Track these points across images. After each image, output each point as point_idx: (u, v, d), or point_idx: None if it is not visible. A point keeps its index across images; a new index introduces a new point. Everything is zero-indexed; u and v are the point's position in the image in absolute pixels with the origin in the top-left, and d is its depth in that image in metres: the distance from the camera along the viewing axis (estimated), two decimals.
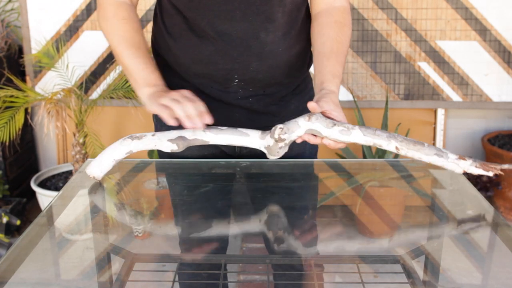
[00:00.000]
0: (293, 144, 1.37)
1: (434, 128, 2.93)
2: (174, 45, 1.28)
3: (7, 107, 2.55)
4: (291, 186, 1.38)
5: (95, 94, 2.84)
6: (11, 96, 2.53)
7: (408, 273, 1.14)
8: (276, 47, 1.25)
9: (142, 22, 2.79)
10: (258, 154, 1.37)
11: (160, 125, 1.39)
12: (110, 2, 1.25)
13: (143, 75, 1.20)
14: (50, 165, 3.12)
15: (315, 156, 1.44)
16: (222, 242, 1.35)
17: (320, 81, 1.21)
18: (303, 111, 1.22)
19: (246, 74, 1.26)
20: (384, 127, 2.66)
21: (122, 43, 1.22)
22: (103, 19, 1.26)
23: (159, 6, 1.32)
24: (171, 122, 1.11)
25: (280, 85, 1.31)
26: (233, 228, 1.29)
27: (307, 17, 1.34)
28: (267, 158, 1.36)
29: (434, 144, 2.95)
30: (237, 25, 1.21)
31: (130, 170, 1.44)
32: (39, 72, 2.86)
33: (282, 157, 1.36)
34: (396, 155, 2.69)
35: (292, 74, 1.33)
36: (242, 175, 1.37)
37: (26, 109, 2.60)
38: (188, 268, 1.28)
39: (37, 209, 2.86)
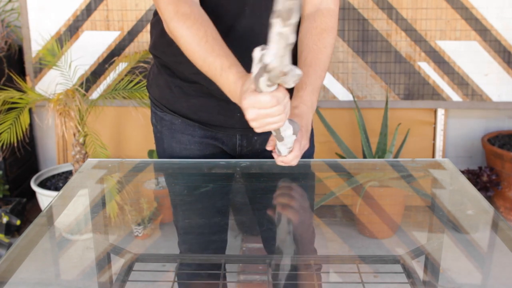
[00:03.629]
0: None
1: (434, 128, 2.93)
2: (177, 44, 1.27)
3: (10, 108, 2.55)
4: (290, 186, 1.38)
5: (95, 94, 2.84)
6: (12, 98, 2.53)
7: (408, 273, 1.14)
8: None
9: (142, 22, 2.79)
10: (258, 153, 1.37)
11: (160, 126, 1.39)
12: (169, 2, 1.13)
13: (227, 84, 1.09)
14: (50, 165, 3.12)
15: (312, 156, 1.44)
16: (222, 242, 1.35)
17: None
18: None
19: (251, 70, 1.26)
20: (384, 127, 2.66)
21: (191, 42, 1.11)
22: (167, 24, 1.14)
23: None
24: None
25: None
26: (232, 228, 1.29)
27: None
28: (268, 158, 1.36)
29: (434, 144, 2.95)
30: (245, 22, 1.22)
31: (130, 170, 1.44)
32: (39, 72, 2.86)
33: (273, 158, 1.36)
34: (396, 155, 2.70)
35: None
36: (242, 175, 1.37)
37: (30, 109, 2.60)
38: (188, 268, 1.28)
39: (37, 209, 2.86)
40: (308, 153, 1.42)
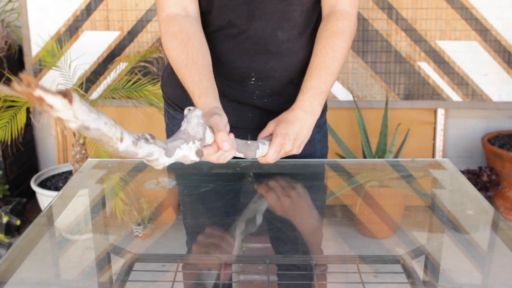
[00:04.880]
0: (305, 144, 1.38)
1: (434, 128, 2.93)
2: None
3: (8, 107, 2.55)
4: (290, 186, 1.38)
5: (95, 94, 2.85)
6: (12, 96, 2.53)
7: (408, 273, 1.14)
8: (292, 46, 1.26)
9: (142, 22, 2.79)
10: None
11: (172, 125, 1.39)
12: (162, 18, 1.21)
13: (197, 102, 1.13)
14: (50, 165, 3.12)
15: (325, 156, 1.44)
16: (229, 242, 1.35)
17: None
18: None
19: (263, 72, 1.27)
20: (384, 127, 2.66)
21: (174, 64, 1.18)
22: (161, 36, 1.23)
23: None
24: None
25: (292, 84, 1.32)
26: (232, 228, 1.29)
27: (320, 18, 1.35)
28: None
29: (434, 144, 2.95)
30: (256, 24, 1.22)
31: (130, 170, 1.44)
32: (39, 72, 2.86)
33: (289, 157, 1.36)
34: (396, 155, 2.69)
35: (304, 73, 1.34)
36: (242, 175, 1.37)
37: (27, 109, 2.60)
38: (188, 268, 1.28)
39: (37, 209, 2.86)
40: (321, 154, 1.42)
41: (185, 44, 1.16)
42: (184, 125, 0.98)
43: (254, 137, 1.35)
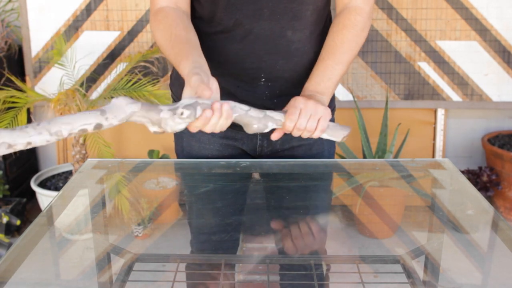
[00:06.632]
0: (312, 144, 1.37)
1: (434, 128, 2.93)
2: None
3: (9, 108, 2.55)
4: (292, 186, 1.38)
5: (95, 94, 2.84)
6: (12, 97, 2.53)
7: (408, 273, 1.14)
8: (302, 46, 1.26)
9: (142, 22, 2.79)
10: (278, 154, 1.37)
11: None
12: (153, 12, 1.26)
13: (182, 75, 1.13)
14: (50, 165, 3.12)
15: (333, 156, 1.44)
16: (234, 242, 1.35)
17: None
18: None
19: (273, 73, 1.27)
20: (384, 127, 2.66)
21: (160, 45, 1.22)
22: (150, 27, 1.30)
23: None
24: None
25: (302, 84, 1.32)
26: (234, 228, 1.29)
27: (330, 17, 1.34)
28: (287, 158, 1.36)
29: (434, 144, 2.95)
30: (264, 24, 1.22)
31: (130, 170, 1.44)
32: (38, 72, 2.86)
33: (293, 157, 1.35)
34: (396, 155, 2.70)
35: None
36: (242, 175, 1.37)
37: (28, 110, 2.60)
38: (188, 268, 1.28)
39: (37, 209, 2.86)
40: (329, 153, 1.42)
41: (170, 25, 1.20)
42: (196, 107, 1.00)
43: (264, 137, 1.35)
